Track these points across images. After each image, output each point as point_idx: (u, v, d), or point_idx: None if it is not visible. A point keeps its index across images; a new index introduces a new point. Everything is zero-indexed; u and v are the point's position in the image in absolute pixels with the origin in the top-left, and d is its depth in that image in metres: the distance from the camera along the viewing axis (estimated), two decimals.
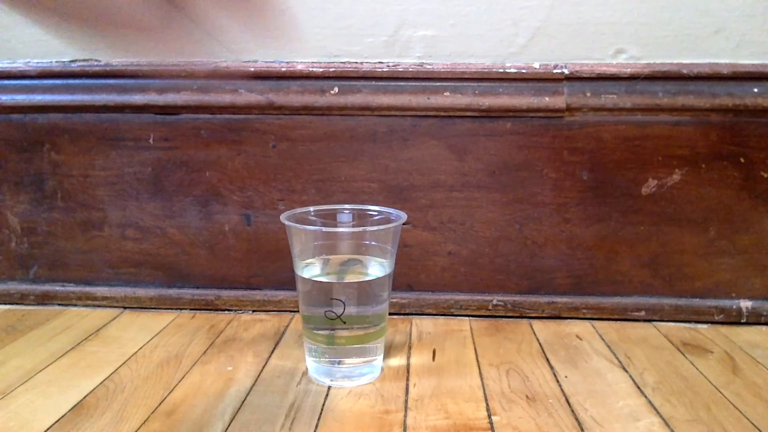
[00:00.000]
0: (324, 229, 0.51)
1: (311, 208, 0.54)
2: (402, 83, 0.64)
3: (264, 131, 0.66)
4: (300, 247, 0.51)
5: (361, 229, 0.48)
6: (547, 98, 0.63)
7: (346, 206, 0.55)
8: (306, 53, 0.65)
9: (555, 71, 0.63)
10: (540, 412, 0.47)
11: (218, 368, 0.54)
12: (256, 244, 0.68)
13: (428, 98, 0.64)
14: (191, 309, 0.69)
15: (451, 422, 0.45)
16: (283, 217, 0.50)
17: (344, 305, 0.48)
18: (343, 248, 0.51)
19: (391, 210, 0.53)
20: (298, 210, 0.53)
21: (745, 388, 0.51)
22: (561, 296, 0.67)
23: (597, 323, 0.66)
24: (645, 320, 0.66)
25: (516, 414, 0.46)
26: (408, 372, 0.54)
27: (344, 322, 0.49)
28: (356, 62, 0.65)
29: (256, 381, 0.52)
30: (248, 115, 0.65)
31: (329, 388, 0.50)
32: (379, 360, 0.53)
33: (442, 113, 0.64)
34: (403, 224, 0.66)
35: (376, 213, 0.53)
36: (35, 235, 0.70)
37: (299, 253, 0.51)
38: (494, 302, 0.67)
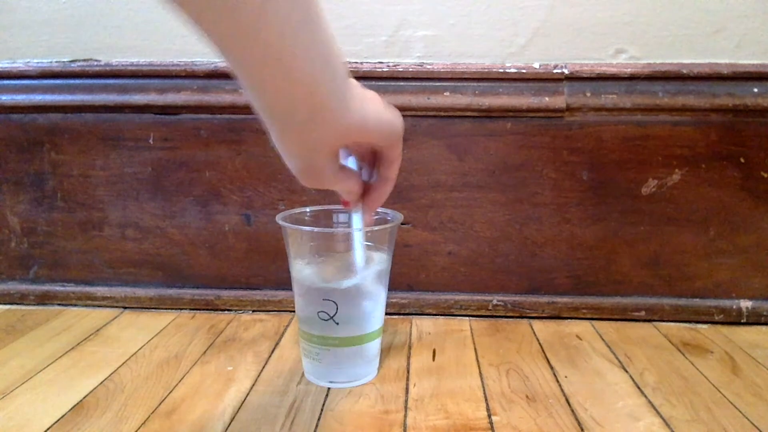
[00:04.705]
0: (317, 229, 0.51)
1: (307, 209, 0.54)
2: (402, 83, 0.64)
3: (264, 131, 0.65)
4: (295, 247, 0.51)
5: (358, 229, 0.48)
6: (547, 98, 0.63)
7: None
8: None
9: (555, 71, 0.63)
10: (540, 412, 0.47)
11: (218, 368, 0.54)
12: (256, 244, 0.68)
13: (428, 98, 0.64)
14: (191, 309, 0.69)
15: (451, 422, 0.45)
16: (278, 218, 0.50)
17: (337, 306, 0.48)
18: (339, 249, 0.51)
19: (387, 210, 0.53)
20: (294, 210, 0.53)
21: (745, 388, 0.51)
22: (561, 296, 0.67)
23: (597, 323, 0.66)
24: (645, 320, 0.66)
25: (516, 414, 0.46)
26: (408, 372, 0.54)
27: (337, 323, 0.49)
28: (356, 62, 0.65)
29: (256, 381, 0.52)
30: (248, 115, 0.65)
31: (329, 388, 0.50)
32: (375, 362, 0.53)
33: (442, 113, 0.64)
34: (403, 224, 0.66)
35: (373, 213, 0.53)
36: (35, 235, 0.70)
37: (294, 254, 0.51)
38: (494, 302, 0.67)
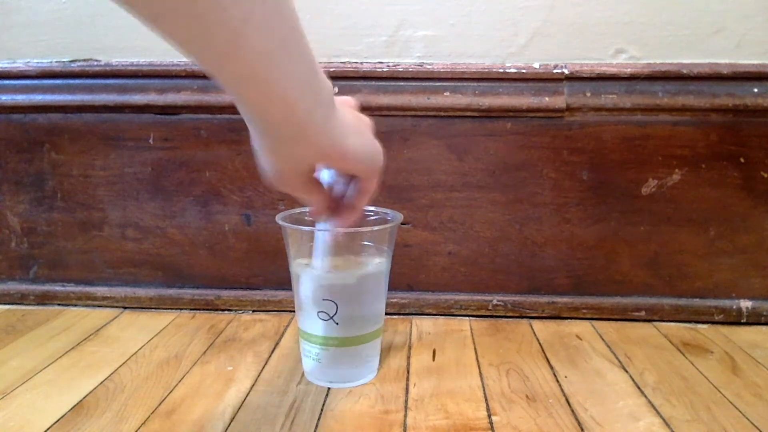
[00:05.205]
0: (318, 229, 0.50)
1: (307, 209, 0.54)
2: (402, 83, 0.64)
3: None
4: (295, 247, 0.51)
5: (356, 229, 0.48)
6: (547, 98, 0.63)
7: None
8: None
9: (555, 71, 0.63)
10: (540, 412, 0.47)
11: (218, 368, 0.54)
12: (256, 244, 0.68)
13: (428, 98, 0.64)
14: (191, 309, 0.69)
15: (451, 422, 0.45)
16: (278, 218, 0.50)
17: (336, 306, 0.48)
18: (338, 249, 0.51)
19: (387, 210, 0.52)
20: (294, 210, 0.53)
21: (745, 388, 0.51)
22: (561, 296, 0.67)
23: (597, 323, 0.66)
24: (645, 320, 0.66)
25: (516, 414, 0.46)
26: (408, 372, 0.54)
27: (337, 323, 0.49)
28: (356, 62, 0.65)
29: (256, 381, 0.52)
30: None
31: (329, 388, 0.50)
32: (374, 361, 0.53)
33: (442, 113, 0.64)
34: (403, 224, 0.66)
35: (372, 213, 0.53)
36: (35, 235, 0.70)
37: (295, 254, 0.51)
38: (494, 302, 0.67)
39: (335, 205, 0.42)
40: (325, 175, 0.41)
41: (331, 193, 0.42)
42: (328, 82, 0.32)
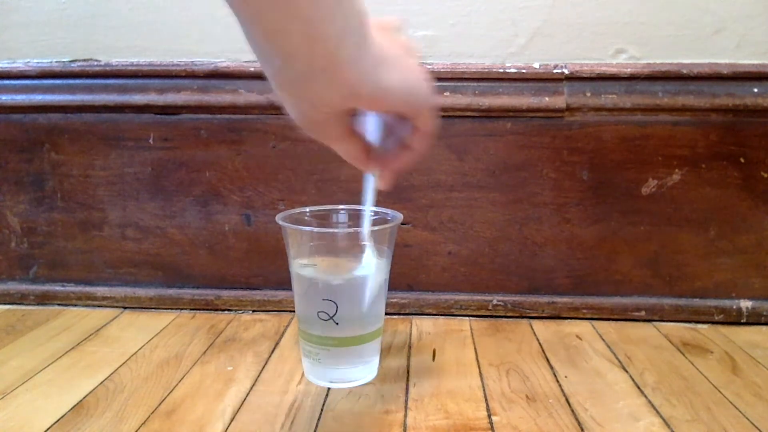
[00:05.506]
0: (317, 229, 0.50)
1: (307, 209, 0.54)
2: None
3: (264, 131, 0.66)
4: (295, 248, 0.51)
5: (356, 229, 0.48)
6: (547, 98, 0.63)
7: (342, 207, 0.55)
8: None
9: (555, 71, 0.63)
10: (540, 412, 0.47)
11: (218, 368, 0.54)
12: (256, 244, 0.68)
13: None
14: (191, 309, 0.69)
15: (451, 422, 0.45)
16: (278, 218, 0.50)
17: (337, 306, 0.48)
18: (339, 249, 0.51)
19: (387, 210, 0.52)
20: (294, 210, 0.53)
21: (745, 388, 0.51)
22: (561, 296, 0.67)
23: (597, 323, 0.66)
24: (645, 320, 0.66)
25: (516, 414, 0.46)
26: (408, 372, 0.54)
27: (337, 323, 0.49)
28: None
29: (256, 381, 0.52)
30: (248, 115, 0.65)
31: (329, 388, 0.50)
32: (374, 361, 0.53)
33: (442, 113, 0.64)
34: (403, 224, 0.66)
35: (372, 213, 0.53)
36: (35, 235, 0.70)
37: (294, 254, 0.51)
38: (494, 302, 0.67)
39: (384, 153, 0.37)
40: (370, 123, 0.36)
41: (383, 139, 0.37)
42: (362, 4, 0.27)
